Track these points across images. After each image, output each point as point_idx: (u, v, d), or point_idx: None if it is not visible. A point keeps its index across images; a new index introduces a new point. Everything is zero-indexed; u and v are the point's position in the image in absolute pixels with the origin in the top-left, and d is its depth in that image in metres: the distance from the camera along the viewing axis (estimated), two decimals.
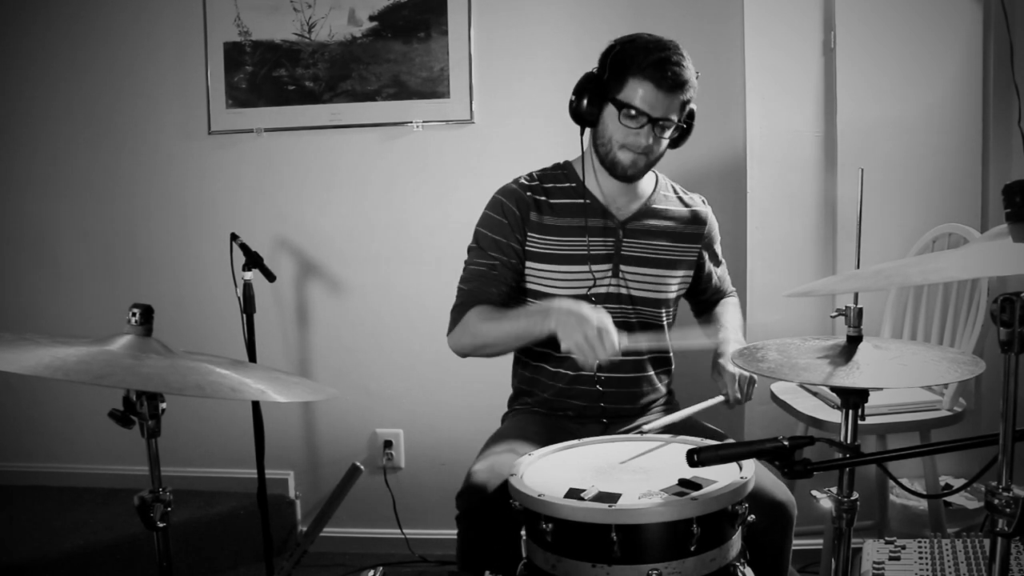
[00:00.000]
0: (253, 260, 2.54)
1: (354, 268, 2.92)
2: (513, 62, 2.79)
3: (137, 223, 3.00)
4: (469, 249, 1.91)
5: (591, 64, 2.73)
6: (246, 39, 2.86)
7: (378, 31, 2.81)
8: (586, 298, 1.81)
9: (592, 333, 1.57)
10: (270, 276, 2.57)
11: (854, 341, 1.40)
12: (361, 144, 2.87)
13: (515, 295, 1.88)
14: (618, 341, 1.60)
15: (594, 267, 1.84)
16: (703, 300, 2.10)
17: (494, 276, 1.85)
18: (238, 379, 1.26)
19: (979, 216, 2.51)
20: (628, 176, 1.83)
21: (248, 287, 2.54)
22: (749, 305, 2.57)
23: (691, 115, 1.83)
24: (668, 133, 1.80)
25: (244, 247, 2.55)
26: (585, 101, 1.79)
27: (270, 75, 2.86)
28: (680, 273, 1.94)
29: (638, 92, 1.73)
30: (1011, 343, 1.05)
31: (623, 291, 1.87)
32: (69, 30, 2.94)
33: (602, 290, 1.85)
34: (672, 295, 1.94)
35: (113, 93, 2.95)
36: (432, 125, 2.83)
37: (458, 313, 1.86)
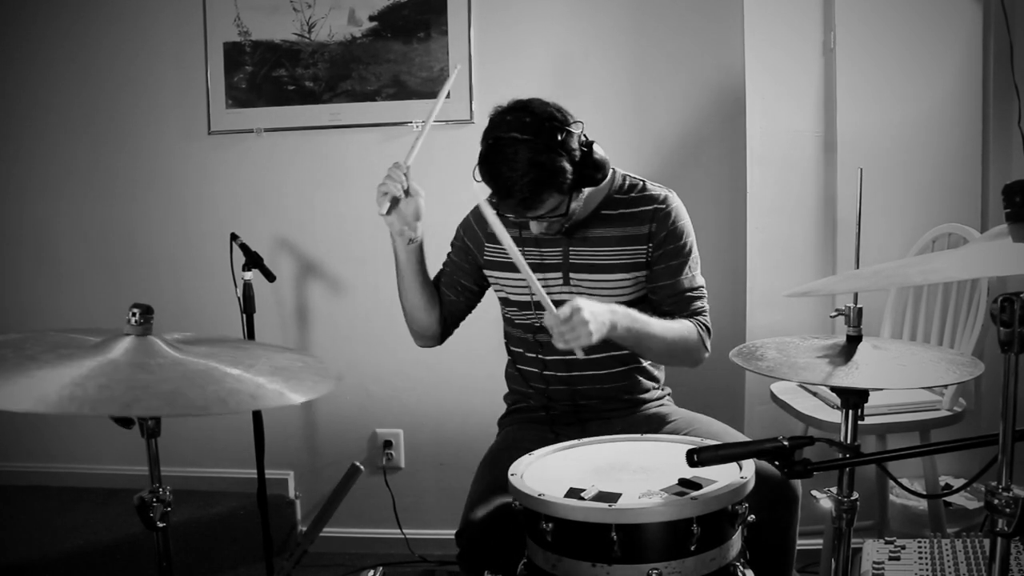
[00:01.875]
0: (253, 260, 2.54)
1: (354, 268, 2.92)
2: (513, 62, 2.79)
3: (137, 223, 3.00)
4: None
5: (591, 65, 2.76)
6: (246, 39, 2.86)
7: (378, 31, 2.81)
8: (528, 304, 1.89)
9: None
10: (270, 276, 2.57)
11: (854, 341, 1.40)
12: (361, 144, 2.87)
13: (457, 294, 2.02)
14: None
15: (544, 275, 1.88)
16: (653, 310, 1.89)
17: (444, 271, 2.06)
18: (253, 382, 1.25)
19: (979, 216, 2.50)
20: (551, 235, 1.84)
21: (248, 287, 2.54)
22: (749, 305, 2.57)
23: (584, 165, 1.72)
24: (555, 217, 1.75)
25: (244, 247, 2.55)
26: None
27: (270, 75, 2.86)
28: (632, 275, 1.87)
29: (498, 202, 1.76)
30: (1011, 343, 1.05)
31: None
32: (69, 30, 2.94)
33: (555, 298, 1.80)
34: (630, 296, 1.87)
35: (113, 93, 2.95)
36: (432, 125, 2.82)
37: None
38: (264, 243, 2.77)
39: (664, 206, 1.86)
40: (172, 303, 2.92)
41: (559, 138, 1.68)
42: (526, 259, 1.81)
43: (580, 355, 1.64)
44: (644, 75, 2.75)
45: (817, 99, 2.55)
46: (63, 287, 3.05)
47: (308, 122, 2.86)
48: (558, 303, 1.66)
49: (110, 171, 2.99)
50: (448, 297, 2.01)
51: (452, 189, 2.83)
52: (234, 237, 2.57)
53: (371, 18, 2.81)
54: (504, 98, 2.77)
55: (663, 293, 1.86)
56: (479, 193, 1.72)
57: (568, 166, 1.69)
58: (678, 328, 1.80)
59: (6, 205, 3.06)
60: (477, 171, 1.74)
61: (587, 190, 1.81)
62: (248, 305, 2.54)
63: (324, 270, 2.92)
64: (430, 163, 2.85)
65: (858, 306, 1.40)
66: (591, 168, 1.74)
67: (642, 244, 1.86)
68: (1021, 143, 2.49)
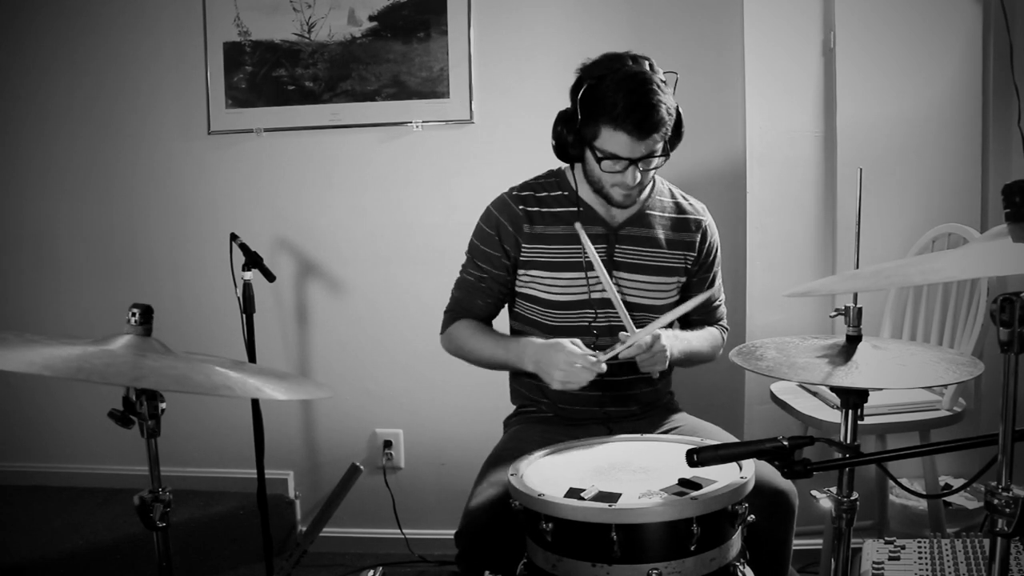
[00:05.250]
0: (253, 260, 2.54)
1: (354, 268, 2.92)
2: (512, 62, 2.79)
3: (137, 223, 3.00)
4: (465, 255, 1.96)
5: None
6: (246, 39, 2.86)
7: (378, 31, 2.81)
8: (587, 303, 1.84)
9: (567, 364, 1.67)
10: (270, 276, 2.57)
11: (853, 341, 1.40)
12: (361, 144, 2.87)
13: (500, 305, 1.97)
14: (595, 362, 1.66)
15: (587, 273, 1.84)
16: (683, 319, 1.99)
17: (481, 288, 1.92)
18: (238, 377, 1.26)
19: (979, 216, 2.51)
20: (624, 206, 1.84)
21: (248, 287, 2.54)
22: (749, 305, 2.58)
23: (678, 123, 1.78)
24: (656, 163, 1.76)
25: (244, 247, 2.55)
26: (564, 143, 1.78)
27: (270, 75, 2.86)
28: (675, 280, 1.92)
29: (613, 140, 1.70)
30: (1011, 343, 1.05)
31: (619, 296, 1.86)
32: (69, 30, 2.94)
33: (597, 295, 1.85)
34: (669, 300, 1.91)
35: (113, 93, 2.95)
36: (432, 125, 2.83)
37: (448, 318, 1.97)
38: (264, 243, 2.77)
39: (706, 219, 1.96)
40: (172, 303, 2.93)
41: (662, 75, 1.74)
42: (569, 257, 1.85)
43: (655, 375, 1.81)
44: None
45: (817, 99, 2.55)
46: (62, 288, 3.04)
47: (308, 122, 2.86)
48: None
49: (110, 171, 2.99)
50: (490, 308, 1.97)
51: (453, 189, 2.85)
52: (234, 237, 2.57)
53: (371, 18, 2.81)
54: (503, 98, 2.80)
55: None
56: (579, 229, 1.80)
57: (673, 102, 1.73)
58: (709, 338, 1.99)
59: (6, 205, 3.05)
60: (559, 125, 1.77)
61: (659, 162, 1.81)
62: (248, 305, 2.54)
63: (324, 270, 2.92)
64: (430, 163, 2.87)
65: (858, 306, 1.40)
66: (680, 126, 1.79)
67: (687, 251, 1.92)
68: (1021, 143, 2.49)
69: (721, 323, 2.06)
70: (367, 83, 2.83)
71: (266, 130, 2.89)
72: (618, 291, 1.85)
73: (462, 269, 1.97)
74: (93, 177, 3.00)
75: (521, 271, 1.90)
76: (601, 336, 1.85)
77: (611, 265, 1.86)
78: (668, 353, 1.75)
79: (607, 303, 1.84)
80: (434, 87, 2.80)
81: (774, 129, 2.55)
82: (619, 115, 1.67)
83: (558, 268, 1.85)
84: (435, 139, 2.85)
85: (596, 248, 1.83)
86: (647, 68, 1.72)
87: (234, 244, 2.57)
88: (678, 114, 1.77)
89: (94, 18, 2.93)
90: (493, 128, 2.81)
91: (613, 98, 1.67)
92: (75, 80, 2.96)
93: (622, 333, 1.74)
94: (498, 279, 1.91)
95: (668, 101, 1.70)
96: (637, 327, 1.82)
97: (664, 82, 1.72)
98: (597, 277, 1.82)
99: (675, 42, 2.73)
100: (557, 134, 1.79)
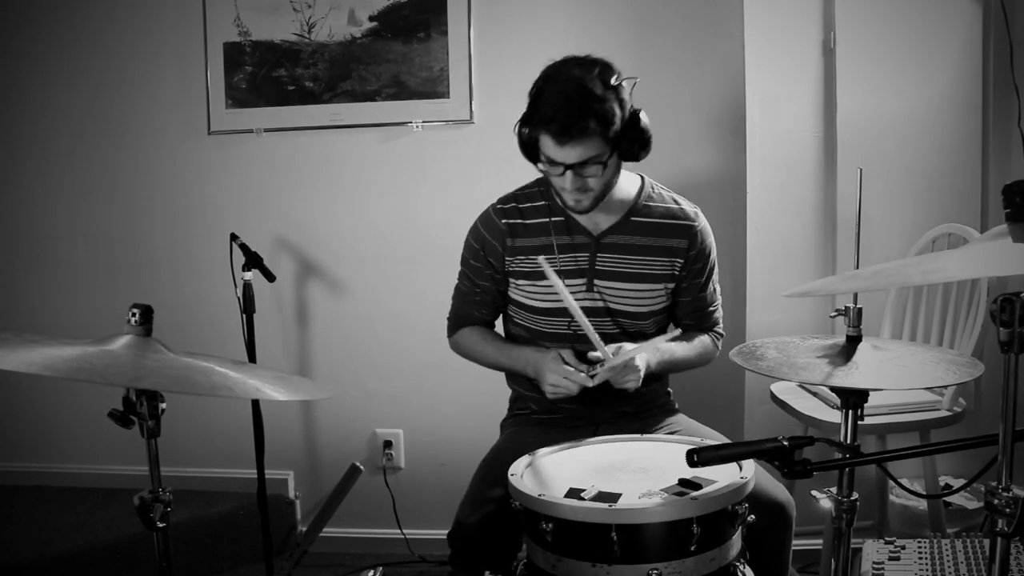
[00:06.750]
0: (253, 260, 2.54)
1: (354, 268, 2.92)
2: (513, 62, 2.78)
3: (137, 223, 3.00)
4: (460, 266, 2.00)
5: None
6: (246, 39, 2.86)
7: (378, 31, 2.81)
8: (567, 311, 1.81)
9: (555, 376, 1.73)
10: (270, 276, 2.57)
11: (854, 341, 1.40)
12: (361, 144, 2.87)
13: (497, 313, 2.01)
14: (580, 379, 1.70)
15: (567, 281, 1.81)
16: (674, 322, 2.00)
17: (475, 300, 1.98)
18: (238, 376, 1.26)
19: (979, 216, 2.51)
20: (579, 211, 1.82)
21: (248, 287, 2.54)
22: (749, 305, 2.57)
23: (633, 129, 1.73)
24: (593, 170, 1.73)
25: (244, 247, 2.55)
26: (524, 145, 1.77)
27: (270, 75, 2.86)
28: (661, 287, 1.89)
29: (546, 144, 1.71)
30: (1011, 343, 1.05)
31: (600, 304, 1.86)
32: (69, 31, 2.94)
33: (578, 303, 1.81)
34: (657, 307, 1.90)
35: (113, 93, 2.95)
36: (432, 125, 2.83)
37: (452, 325, 2.04)
38: (264, 243, 2.77)
39: (696, 223, 1.90)
40: (172, 303, 2.92)
41: (612, 81, 1.70)
42: (552, 264, 1.79)
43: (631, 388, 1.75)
44: (644, 75, 2.70)
45: (817, 99, 2.55)
46: (62, 288, 3.04)
47: (308, 122, 2.86)
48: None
49: (110, 171, 2.99)
50: (487, 317, 2.02)
51: (452, 189, 2.85)
52: (234, 237, 2.58)
53: (371, 18, 2.81)
54: (503, 98, 2.80)
55: (685, 308, 1.96)
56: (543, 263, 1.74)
57: (617, 110, 1.69)
58: (697, 346, 1.95)
59: (6, 205, 3.05)
60: (517, 125, 1.76)
61: (623, 176, 1.85)
62: (248, 305, 2.54)
63: (324, 270, 2.92)
64: (430, 163, 2.87)
65: (858, 306, 1.40)
66: (637, 132, 1.73)
67: (674, 257, 1.89)
68: (1021, 143, 2.49)
69: (715, 329, 2.02)
70: (367, 83, 2.83)
71: (266, 130, 2.88)
72: (602, 300, 1.86)
73: (458, 279, 2.01)
74: (93, 177, 3.00)
75: (511, 280, 1.92)
76: (579, 341, 1.82)
77: (593, 274, 1.86)
78: (642, 373, 1.74)
79: (588, 311, 1.80)
80: (434, 87, 2.80)
81: (774, 129, 2.55)
82: (545, 119, 1.68)
83: (540, 277, 1.83)
84: (435, 139, 2.85)
85: (579, 256, 1.86)
86: (593, 73, 1.69)
87: (234, 244, 2.57)
88: (635, 120, 1.73)
89: (94, 19, 2.92)
90: (493, 128, 2.81)
91: (544, 103, 1.69)
92: (75, 80, 2.96)
93: (592, 354, 1.72)
94: (489, 291, 1.95)
95: (606, 108, 1.67)
96: (623, 334, 1.86)
97: (613, 87, 1.69)
98: (577, 284, 1.85)
99: (675, 42, 2.73)
100: (517, 133, 1.78)
